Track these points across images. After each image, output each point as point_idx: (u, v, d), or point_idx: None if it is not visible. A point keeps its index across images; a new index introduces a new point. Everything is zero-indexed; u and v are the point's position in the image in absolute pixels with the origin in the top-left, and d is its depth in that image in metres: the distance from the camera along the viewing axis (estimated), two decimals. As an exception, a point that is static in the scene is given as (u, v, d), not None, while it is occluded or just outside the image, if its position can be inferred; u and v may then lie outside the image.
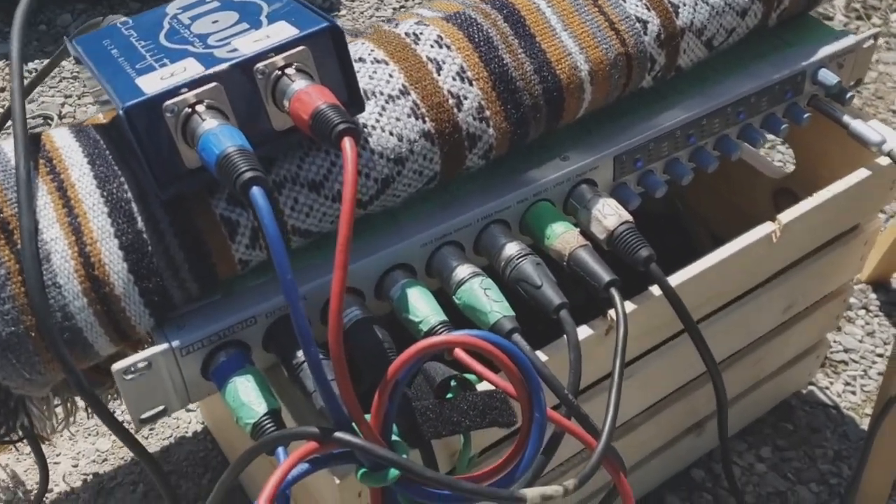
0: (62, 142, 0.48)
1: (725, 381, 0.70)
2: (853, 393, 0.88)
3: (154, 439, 0.81)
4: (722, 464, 0.73)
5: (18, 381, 0.46)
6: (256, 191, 0.39)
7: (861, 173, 0.64)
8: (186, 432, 0.82)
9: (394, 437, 0.42)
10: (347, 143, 0.40)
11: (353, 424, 0.40)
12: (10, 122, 0.47)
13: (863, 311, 0.96)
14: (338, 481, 0.45)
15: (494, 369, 0.44)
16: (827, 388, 0.88)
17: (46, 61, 0.57)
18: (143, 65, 0.45)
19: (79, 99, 1.20)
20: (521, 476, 0.43)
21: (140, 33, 0.49)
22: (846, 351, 0.92)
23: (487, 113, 0.51)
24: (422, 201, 0.53)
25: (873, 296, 0.98)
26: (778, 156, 1.15)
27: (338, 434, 0.39)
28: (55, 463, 0.79)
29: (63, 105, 1.19)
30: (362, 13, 1.37)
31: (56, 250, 0.44)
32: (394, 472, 0.40)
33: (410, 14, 0.63)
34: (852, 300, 0.96)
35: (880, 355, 0.91)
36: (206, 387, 0.48)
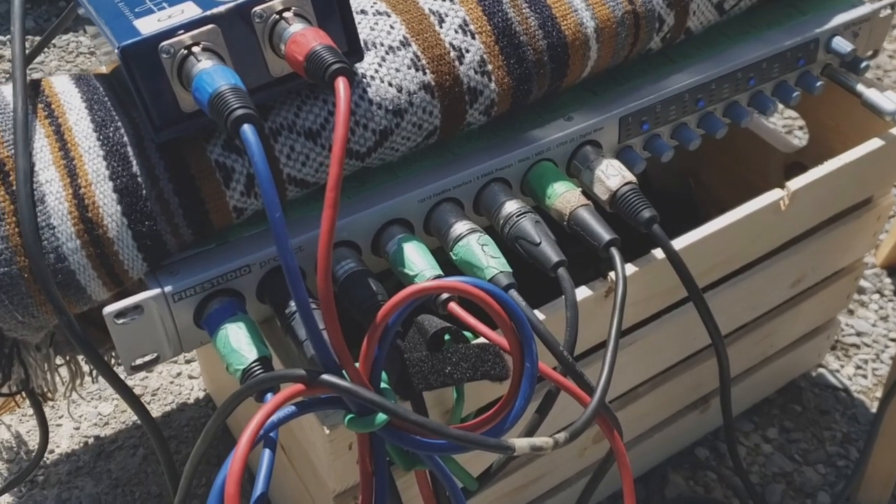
0: (61, 87, 0.48)
1: (732, 355, 0.69)
2: (864, 377, 0.86)
3: (156, 405, 0.81)
4: (726, 442, 0.72)
5: (11, 324, 0.45)
6: (247, 128, 0.38)
7: (874, 143, 0.62)
8: (188, 399, 0.82)
9: (383, 385, 0.42)
10: (341, 82, 0.39)
11: (343, 371, 0.40)
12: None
13: (877, 296, 0.94)
14: (327, 431, 0.45)
15: (490, 325, 0.43)
16: (837, 370, 0.86)
17: (56, 21, 0.57)
18: (142, 8, 0.45)
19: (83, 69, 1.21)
20: (511, 426, 0.42)
21: (140, -20, 0.48)
22: (858, 335, 0.90)
23: (489, 67, 0.51)
24: (421, 157, 0.53)
25: (888, 280, 0.96)
26: (793, 137, 1.13)
27: (325, 377, 0.38)
28: (57, 425, 0.79)
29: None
30: None
31: (51, 192, 0.44)
32: (381, 418, 0.39)
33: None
34: (866, 284, 0.95)
35: (893, 340, 0.89)
36: (199, 335, 0.48)
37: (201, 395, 0.82)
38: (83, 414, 0.80)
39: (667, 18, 0.56)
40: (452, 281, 0.41)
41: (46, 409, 0.78)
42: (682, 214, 0.84)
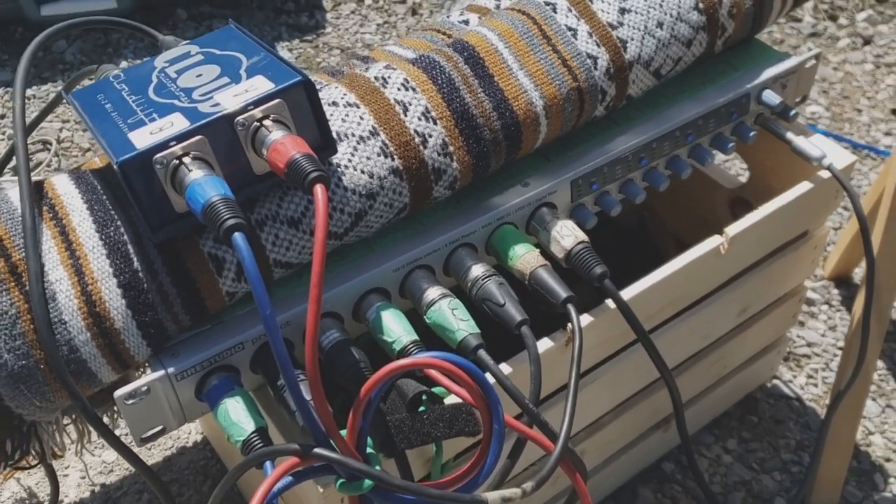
0: (63, 189, 0.53)
1: (687, 379, 0.75)
2: (815, 385, 0.93)
3: (157, 450, 0.86)
4: (686, 460, 0.78)
5: (30, 409, 0.50)
6: (238, 236, 0.44)
7: (804, 186, 0.69)
8: (187, 442, 0.87)
9: (368, 450, 0.47)
10: (319, 189, 0.45)
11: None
12: (13, 161, 0.52)
13: (825, 307, 1.01)
14: (321, 490, 0.50)
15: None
16: (790, 381, 0.93)
17: (49, 97, 0.62)
18: (134, 119, 0.50)
19: (76, 123, 1.25)
20: (484, 481, 0.48)
21: (131, 87, 0.53)
22: (809, 345, 0.97)
23: (451, 149, 0.56)
24: (393, 230, 0.58)
25: (835, 291, 1.03)
26: (736, 166, 1.20)
27: (317, 450, 0.44)
28: (64, 475, 0.84)
29: (61, 130, 1.23)
30: (347, 29, 1.41)
31: (61, 290, 0.49)
32: (368, 482, 0.45)
33: (382, 52, 0.68)
34: (815, 296, 1.02)
35: (841, 349, 0.96)
36: (200, 407, 0.53)
37: (199, 438, 0.87)
38: (88, 463, 0.85)
39: (608, 90, 0.62)
40: (425, 357, 0.46)
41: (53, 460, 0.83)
42: (639, 246, 0.90)
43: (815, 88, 1.35)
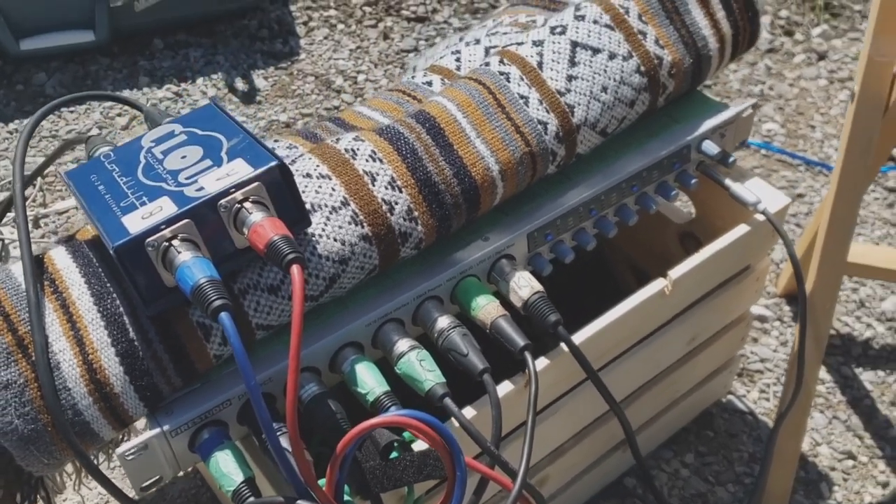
0: (62, 263, 0.58)
1: (642, 404, 0.81)
2: (767, 399, 1.00)
3: (150, 479, 0.91)
4: (643, 481, 0.84)
5: (39, 466, 0.56)
6: (224, 316, 0.49)
7: (741, 229, 0.75)
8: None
9: (346, 498, 0.53)
10: (295, 270, 0.50)
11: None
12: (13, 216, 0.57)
13: (777, 323, 1.08)
14: (305, 531, 0.56)
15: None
16: (744, 395, 1.00)
17: (29, 125, 0.65)
18: (126, 203, 0.55)
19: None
20: (449, 522, 0.54)
21: (121, 168, 0.59)
22: (762, 361, 1.04)
23: (416, 213, 0.62)
24: (365, 286, 0.64)
25: (787, 308, 1.10)
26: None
27: (299, 502, 0.50)
28: (63, 507, 0.89)
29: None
30: (321, 55, 1.46)
31: (64, 360, 0.54)
32: (346, 529, 0.51)
33: (352, 114, 0.74)
34: (768, 313, 1.08)
35: (790, 363, 1.03)
36: (193, 458, 0.58)
37: (190, 468, 0.92)
38: (85, 495, 0.90)
39: (559, 151, 0.68)
40: (395, 416, 0.52)
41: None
42: (597, 275, 0.96)
43: (771, 105, 1.42)
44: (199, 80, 1.39)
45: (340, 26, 1.52)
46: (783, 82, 1.46)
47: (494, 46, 0.77)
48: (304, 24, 1.52)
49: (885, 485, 0.92)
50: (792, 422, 0.84)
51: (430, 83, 0.76)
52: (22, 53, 1.39)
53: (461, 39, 0.82)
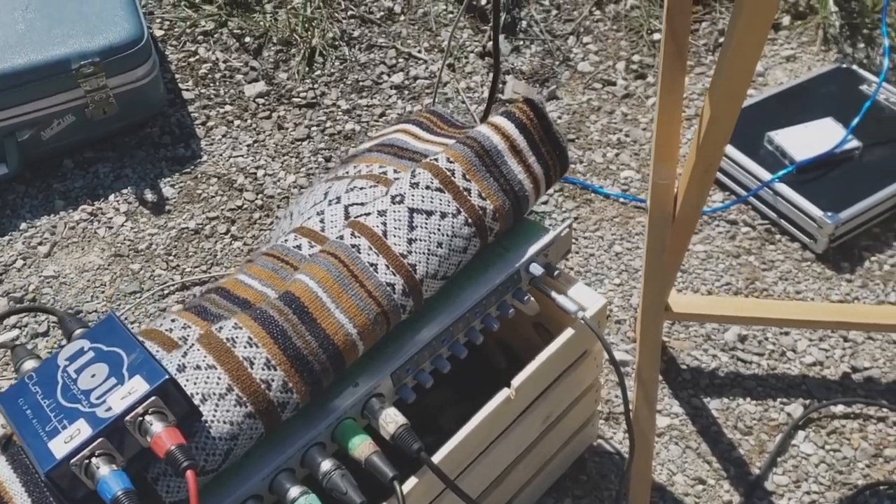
0: (4, 475, 0.72)
1: (516, 474, 0.98)
2: (632, 437, 1.18)
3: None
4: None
5: None
6: (137, 517, 0.64)
7: (568, 332, 0.92)
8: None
9: None
10: (190, 475, 0.65)
11: None
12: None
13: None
14: None
15: None
16: (611, 437, 1.18)
17: None
18: (50, 427, 0.69)
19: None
20: None
21: (43, 390, 0.72)
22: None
23: (290, 385, 0.77)
24: (256, 446, 0.79)
25: (646, 350, 1.27)
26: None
27: None
28: None
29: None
30: (221, 155, 1.58)
31: (19, 559, 0.68)
32: None
33: (234, 282, 0.88)
34: (629, 357, 1.26)
35: (650, 402, 1.21)
36: None
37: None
38: None
39: (407, 304, 0.83)
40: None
41: None
42: (474, 360, 1.12)
43: (628, 153, 1.59)
44: (111, 197, 1.50)
45: (237, 122, 1.65)
46: (638, 127, 1.64)
47: (353, 204, 0.92)
48: (203, 123, 1.64)
49: (729, 503, 1.11)
50: (637, 470, 1.02)
51: (299, 247, 0.90)
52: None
53: (325, 196, 0.96)
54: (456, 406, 1.05)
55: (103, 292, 1.35)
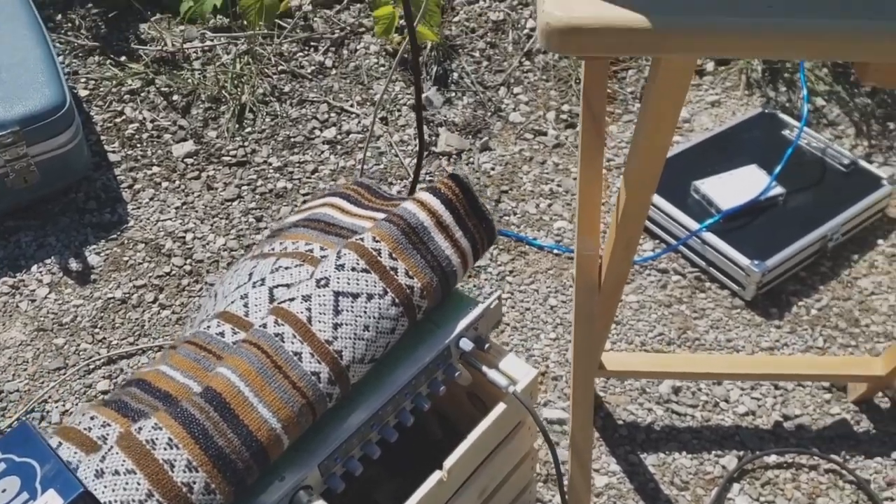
0: None
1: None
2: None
3: None
4: None
5: None
6: None
7: (500, 407, 0.92)
8: None
9: None
10: None
11: None
12: None
13: (577, 421, 1.26)
14: None
15: None
16: (549, 501, 1.18)
17: None
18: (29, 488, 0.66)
19: None
20: None
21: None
22: (563, 463, 1.22)
23: (213, 486, 0.75)
24: (184, 548, 0.76)
25: (584, 406, 1.28)
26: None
27: None
28: None
29: None
30: (148, 219, 1.55)
31: None
32: None
33: (155, 373, 0.85)
34: (565, 415, 1.26)
35: (589, 460, 1.22)
36: None
37: None
38: None
39: (334, 392, 0.82)
40: None
41: None
42: (412, 434, 1.11)
43: (560, 203, 1.61)
44: (34, 268, 1.46)
45: (165, 183, 1.62)
46: (569, 177, 1.66)
47: (278, 286, 0.91)
48: (130, 186, 1.60)
49: (667, 561, 1.12)
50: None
51: (222, 333, 0.88)
52: None
53: (250, 277, 0.95)
54: (392, 480, 1.04)
55: (25, 370, 1.30)
